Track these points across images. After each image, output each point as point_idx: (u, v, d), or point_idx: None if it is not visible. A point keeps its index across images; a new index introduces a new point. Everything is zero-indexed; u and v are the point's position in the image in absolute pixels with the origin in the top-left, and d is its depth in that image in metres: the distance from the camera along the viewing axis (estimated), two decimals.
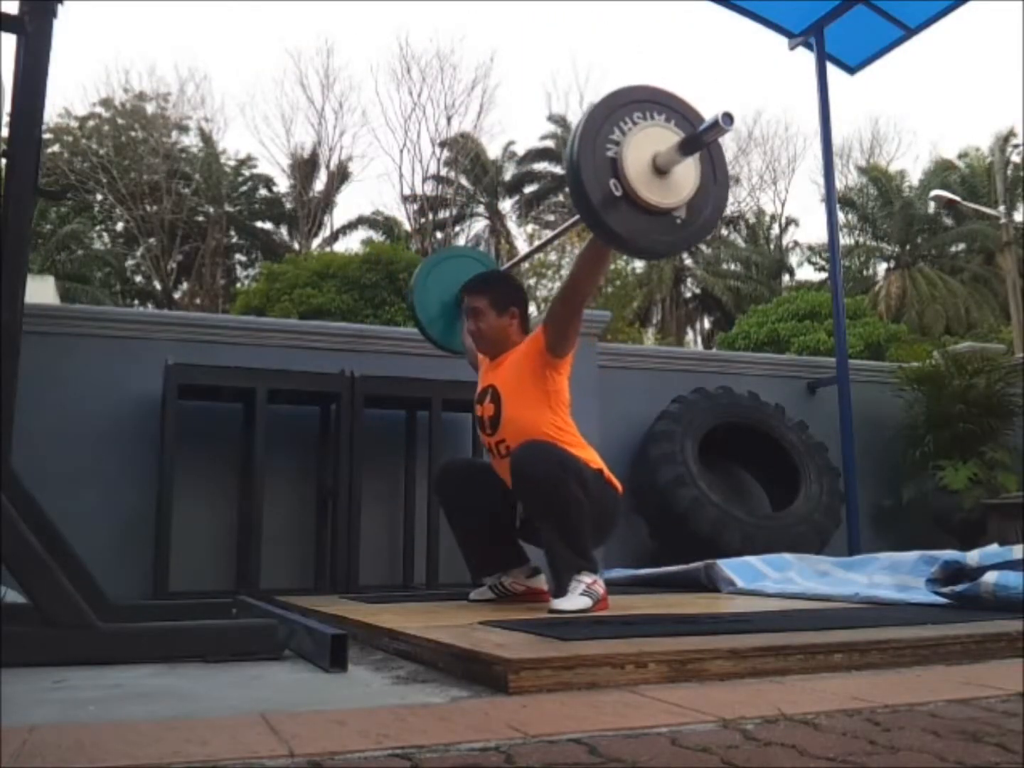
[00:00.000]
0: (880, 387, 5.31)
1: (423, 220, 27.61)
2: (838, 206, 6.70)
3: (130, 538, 3.68)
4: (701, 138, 2.09)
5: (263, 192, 28.62)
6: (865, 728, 1.22)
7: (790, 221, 30.69)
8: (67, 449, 3.70)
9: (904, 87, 43.44)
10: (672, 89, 2.23)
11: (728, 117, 2.02)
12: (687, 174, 2.13)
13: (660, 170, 2.08)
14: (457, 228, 28.67)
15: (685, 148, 2.09)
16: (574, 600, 2.45)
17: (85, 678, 1.69)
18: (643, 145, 2.08)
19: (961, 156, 29.37)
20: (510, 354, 2.80)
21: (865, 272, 28.92)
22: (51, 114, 23.63)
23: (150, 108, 26.61)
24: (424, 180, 27.79)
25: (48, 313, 3.97)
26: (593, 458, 2.68)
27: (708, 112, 2.14)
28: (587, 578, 2.51)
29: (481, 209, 29.49)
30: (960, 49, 43.63)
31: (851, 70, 5.55)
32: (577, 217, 2.57)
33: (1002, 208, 23.29)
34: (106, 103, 26.20)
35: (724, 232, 30.25)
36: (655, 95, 2.20)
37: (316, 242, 27.56)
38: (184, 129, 27.29)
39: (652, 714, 1.34)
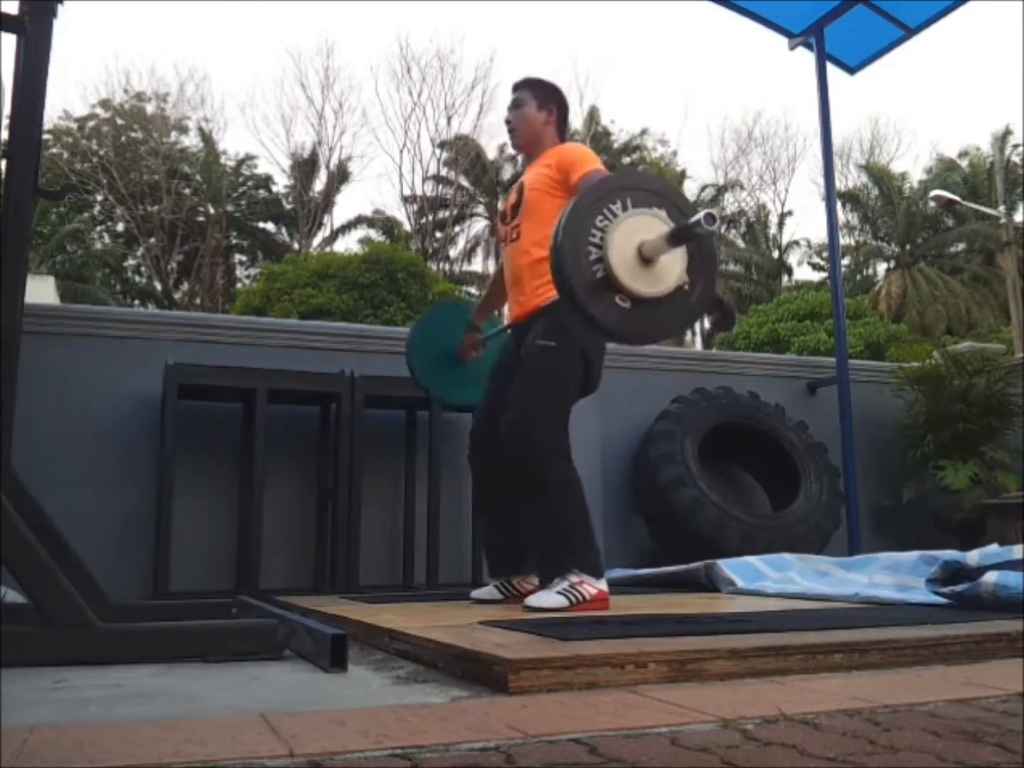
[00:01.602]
0: (880, 387, 5.31)
1: (423, 220, 27.62)
2: (840, 203, 6.69)
3: (130, 538, 3.68)
4: (687, 231, 2.06)
5: (263, 192, 28.63)
6: (865, 728, 1.22)
7: (786, 213, 30.69)
8: (67, 449, 3.70)
9: (904, 87, 43.48)
10: (645, 173, 2.24)
11: (710, 217, 2.00)
12: (672, 265, 2.09)
13: (645, 258, 2.05)
14: (457, 228, 28.70)
15: (671, 240, 2.06)
16: (550, 598, 2.42)
17: (85, 678, 1.69)
18: (630, 231, 2.06)
19: (961, 155, 29.38)
20: (544, 157, 2.85)
21: (865, 272, 28.93)
22: (51, 115, 23.65)
23: (150, 108, 26.64)
24: (424, 180, 27.84)
25: (48, 313, 3.97)
26: None
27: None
28: (574, 576, 2.47)
29: (481, 209, 29.50)
30: (960, 49, 43.65)
31: (851, 70, 5.55)
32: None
33: (1002, 208, 23.30)
34: (106, 104, 26.22)
35: (724, 231, 30.26)
36: (649, 183, 2.20)
37: (316, 242, 27.59)
38: (184, 129, 27.32)
39: (652, 714, 1.34)
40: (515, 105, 2.93)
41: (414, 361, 3.37)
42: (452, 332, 3.33)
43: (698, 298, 2.14)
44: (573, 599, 2.44)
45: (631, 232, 2.05)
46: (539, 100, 2.90)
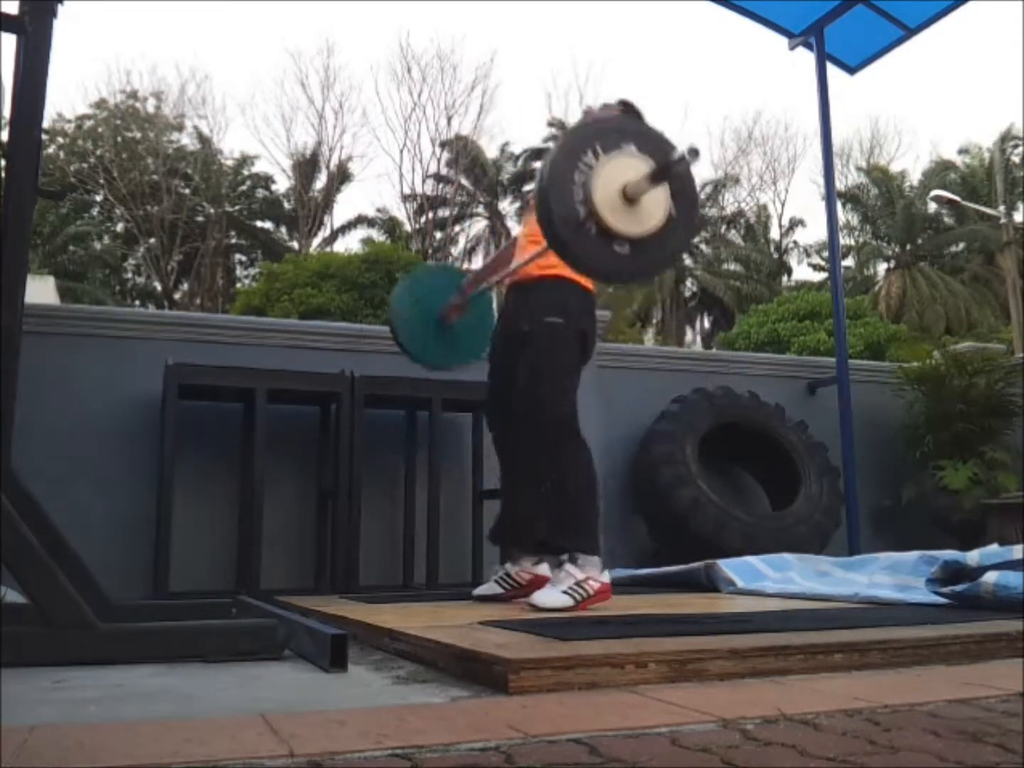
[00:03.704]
0: (880, 387, 5.31)
1: (422, 219, 27.61)
2: (841, 204, 6.68)
3: (130, 538, 3.68)
4: (669, 168, 2.12)
5: (263, 192, 28.62)
6: (865, 728, 1.22)
7: (795, 222, 30.68)
8: (67, 449, 3.70)
9: (904, 87, 43.47)
10: (639, 117, 2.29)
11: (693, 152, 2.09)
12: (657, 202, 2.16)
13: (630, 199, 2.12)
14: (457, 228, 28.70)
15: (654, 178, 2.12)
16: (556, 597, 2.43)
17: (85, 678, 1.69)
18: (612, 175, 2.12)
19: (961, 152, 29.38)
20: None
21: (865, 272, 28.93)
22: (50, 115, 23.66)
23: (150, 108, 26.63)
24: (424, 180, 27.84)
25: (48, 313, 3.97)
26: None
27: (674, 129, 2.21)
28: (578, 572, 2.48)
29: (481, 209, 29.52)
30: (960, 49, 43.65)
31: (851, 70, 5.55)
32: (543, 247, 2.56)
33: (1002, 208, 23.29)
34: (103, 104, 26.18)
35: (724, 231, 30.26)
36: (621, 124, 2.27)
37: (316, 242, 27.58)
38: (183, 129, 27.31)
39: (652, 714, 1.34)
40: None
41: (398, 324, 3.35)
42: (434, 296, 3.32)
43: (683, 232, 2.21)
44: (578, 596, 2.45)
45: (611, 179, 2.11)
46: None
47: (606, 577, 2.56)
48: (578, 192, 2.09)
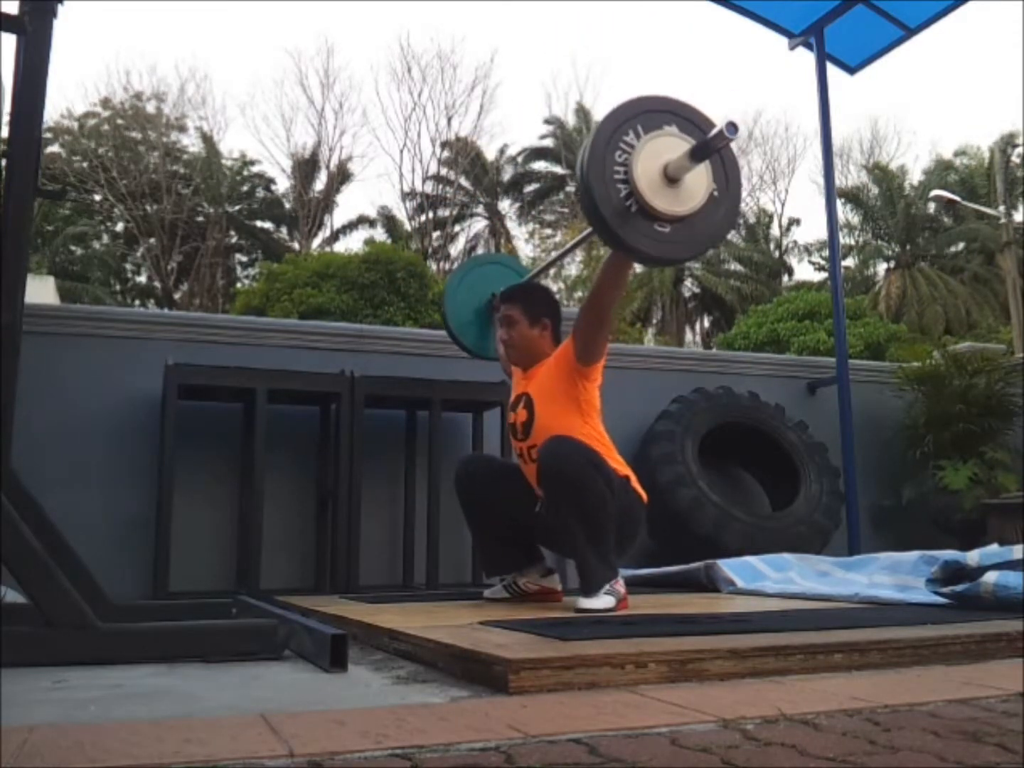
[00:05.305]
0: (880, 387, 5.31)
1: (422, 218, 27.61)
2: (841, 202, 6.68)
3: (130, 538, 3.68)
4: (709, 145, 2.10)
5: (263, 192, 28.61)
6: (865, 728, 1.22)
7: (792, 221, 30.71)
8: (67, 449, 3.70)
9: (904, 87, 43.47)
10: (678, 96, 2.26)
11: (732, 126, 2.04)
12: (698, 181, 2.13)
13: (671, 179, 2.09)
14: (457, 228, 28.68)
15: (694, 156, 2.09)
16: (600, 599, 2.47)
17: (85, 678, 1.69)
18: (653, 155, 2.09)
19: (958, 154, 29.38)
20: (543, 364, 2.82)
21: (865, 272, 28.93)
22: (51, 114, 23.63)
23: (150, 108, 26.62)
24: (424, 180, 27.83)
25: (48, 313, 3.97)
26: (620, 465, 2.71)
27: (715, 116, 2.16)
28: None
29: (481, 209, 29.50)
30: (960, 49, 43.65)
31: (851, 70, 5.54)
32: (590, 230, 2.58)
33: (1002, 208, 23.29)
34: (105, 103, 26.19)
35: None
36: (662, 104, 2.22)
37: (316, 242, 27.57)
38: (183, 129, 27.31)
39: (652, 714, 1.34)
40: (507, 323, 2.86)
41: (450, 312, 3.50)
42: (488, 286, 3.43)
43: (727, 210, 2.17)
44: (617, 596, 2.51)
45: (652, 158, 2.08)
46: (531, 317, 2.83)
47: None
48: (622, 188, 2.06)
